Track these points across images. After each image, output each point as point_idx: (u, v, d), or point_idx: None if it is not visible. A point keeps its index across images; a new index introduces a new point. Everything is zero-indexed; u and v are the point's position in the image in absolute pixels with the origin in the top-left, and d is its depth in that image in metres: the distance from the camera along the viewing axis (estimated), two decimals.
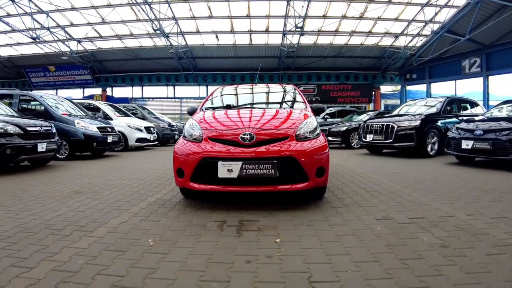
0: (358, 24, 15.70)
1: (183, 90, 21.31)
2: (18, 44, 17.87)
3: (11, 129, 4.74)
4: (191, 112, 3.68)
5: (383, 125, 7.40)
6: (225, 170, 2.53)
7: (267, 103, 4.07)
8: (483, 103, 13.65)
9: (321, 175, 2.72)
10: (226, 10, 14.69)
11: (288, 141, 2.69)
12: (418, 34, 15.62)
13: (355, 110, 14.02)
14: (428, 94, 17.47)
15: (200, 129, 2.90)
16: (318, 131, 2.99)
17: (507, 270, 1.57)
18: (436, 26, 14.37)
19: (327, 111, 13.63)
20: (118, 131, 8.42)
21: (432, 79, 17.74)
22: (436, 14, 13.54)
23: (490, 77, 14.60)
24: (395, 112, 8.70)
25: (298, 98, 3.95)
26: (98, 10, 14.62)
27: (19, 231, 2.21)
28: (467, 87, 15.95)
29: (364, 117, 10.62)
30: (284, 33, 15.44)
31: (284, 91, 4.26)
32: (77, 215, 2.59)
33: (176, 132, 12.60)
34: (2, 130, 4.62)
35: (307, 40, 16.82)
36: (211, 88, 19.31)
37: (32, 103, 7.42)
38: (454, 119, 7.32)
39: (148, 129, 9.94)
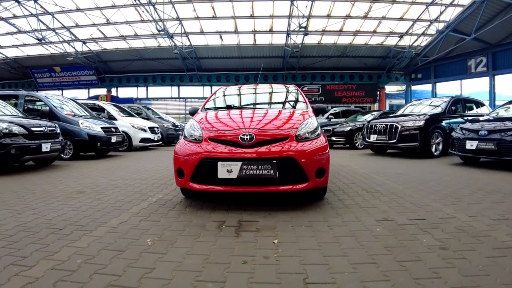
0: (362, 24, 15.62)
1: (187, 90, 21.40)
2: (24, 45, 18.09)
3: (16, 129, 4.80)
4: (193, 113, 3.69)
5: (386, 125, 7.36)
6: (224, 170, 2.54)
7: (268, 103, 4.07)
8: (489, 103, 13.49)
9: (321, 175, 2.71)
10: (230, 10, 14.72)
11: (288, 141, 2.69)
12: (423, 34, 15.48)
13: (359, 110, 13.95)
14: (433, 94, 17.30)
15: (201, 130, 2.91)
16: (319, 131, 2.98)
17: (506, 273, 1.55)
18: (441, 25, 14.23)
19: (331, 111, 13.59)
20: (122, 131, 8.48)
21: (437, 78, 17.57)
22: (441, 13, 13.41)
23: (497, 77, 14.42)
24: (400, 112, 8.64)
25: (299, 98, 3.94)
26: (103, 11, 14.73)
27: (20, 230, 2.24)
28: (473, 87, 15.78)
29: (368, 117, 10.55)
30: (288, 33, 15.41)
31: (285, 91, 4.25)
32: (78, 215, 2.61)
33: (180, 132, 12.65)
34: (7, 131, 4.69)
35: (311, 40, 16.77)
36: (215, 88, 19.30)
37: (37, 103, 7.50)
38: (460, 119, 7.24)
39: (152, 129, 10.00)
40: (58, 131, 5.75)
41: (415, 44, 16.34)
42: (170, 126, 12.34)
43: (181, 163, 2.78)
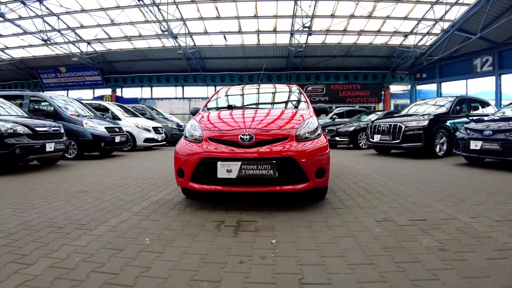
0: (366, 23, 15.52)
1: (191, 91, 21.46)
2: (30, 46, 18.29)
3: (20, 129, 4.86)
4: (194, 113, 3.71)
5: (390, 125, 7.30)
6: (224, 170, 2.54)
7: (269, 103, 4.06)
8: (495, 103, 13.33)
9: (322, 175, 2.70)
10: (234, 10, 14.72)
11: (288, 141, 2.68)
12: (428, 33, 15.32)
13: (363, 110, 13.87)
14: (439, 94, 17.14)
15: (201, 130, 2.91)
16: (319, 131, 2.96)
17: (506, 275, 1.52)
18: (446, 25, 14.08)
19: (335, 111, 13.55)
20: (126, 131, 8.54)
21: (442, 78, 17.40)
22: (446, 12, 13.27)
23: (503, 76, 14.23)
24: (404, 112, 8.58)
25: (300, 98, 3.93)
26: (107, 12, 14.84)
27: (22, 228, 2.26)
28: (479, 87, 15.60)
29: (372, 117, 10.49)
30: (292, 33, 15.38)
31: (286, 91, 4.24)
32: (79, 214, 2.64)
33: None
34: (12, 131, 4.74)
35: (315, 39, 16.72)
36: (219, 89, 19.41)
37: (42, 103, 7.59)
38: (465, 119, 7.17)
39: (156, 129, 10.05)
40: (62, 131, 5.80)
41: (420, 43, 16.20)
42: (174, 126, 12.39)
43: (182, 163, 2.79)
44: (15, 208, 2.82)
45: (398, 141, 7.06)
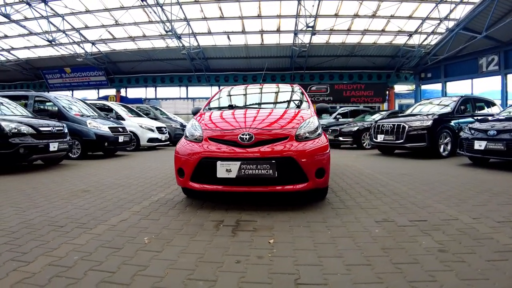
0: (370, 23, 15.45)
1: (195, 91, 21.54)
2: (35, 46, 18.50)
3: (24, 129, 4.91)
4: (195, 113, 3.72)
5: (394, 125, 7.26)
6: (223, 170, 2.54)
7: (270, 103, 4.06)
8: (501, 103, 13.20)
9: (322, 175, 2.69)
10: (237, 10, 14.75)
11: (288, 141, 2.68)
12: (433, 32, 15.20)
13: (368, 110, 13.79)
14: (444, 94, 17.00)
15: (201, 129, 2.92)
16: (319, 131, 2.95)
17: (506, 277, 1.50)
18: (451, 24, 13.95)
19: (339, 110, 13.49)
20: (130, 131, 8.59)
21: (447, 78, 17.25)
22: (451, 11, 13.14)
23: (509, 75, 14.07)
24: (408, 112, 8.51)
25: (302, 97, 3.92)
26: (111, 13, 14.95)
27: (23, 227, 2.29)
28: (485, 86, 15.44)
29: (376, 117, 10.43)
30: (296, 33, 15.35)
31: (287, 91, 4.23)
32: (80, 213, 2.66)
33: None
34: (16, 130, 4.80)
35: (319, 39, 16.67)
36: (220, 89, 19.46)
37: (47, 104, 7.67)
38: (470, 119, 7.09)
39: (159, 129, 10.10)
40: (66, 131, 5.86)
41: (425, 43, 16.07)
42: (178, 126, 12.44)
43: (182, 163, 2.79)
44: (17, 207, 2.85)
45: (402, 141, 7.01)
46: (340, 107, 16.47)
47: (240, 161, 2.52)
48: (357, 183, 3.99)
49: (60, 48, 17.57)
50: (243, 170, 2.51)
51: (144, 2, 13.12)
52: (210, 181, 2.64)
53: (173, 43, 16.91)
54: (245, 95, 4.30)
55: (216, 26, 16.38)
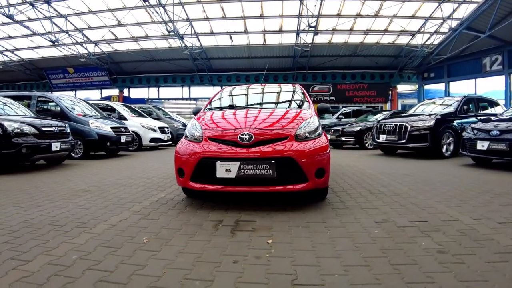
0: (373, 23, 15.39)
1: (198, 91, 21.59)
2: (39, 47, 18.63)
3: (27, 129, 4.95)
4: (196, 112, 3.73)
5: (396, 125, 7.22)
6: (223, 170, 2.54)
7: (270, 103, 4.06)
8: (505, 102, 13.09)
9: (321, 176, 2.68)
10: (239, 10, 14.75)
11: (287, 141, 2.67)
12: (436, 32, 15.11)
13: (370, 110, 13.73)
14: (447, 94, 16.90)
15: (201, 129, 2.92)
16: (320, 131, 2.95)
17: (506, 279, 1.48)
18: (454, 23, 13.87)
19: (342, 110, 13.45)
20: (133, 131, 8.63)
21: (450, 77, 17.15)
22: (454, 10, 13.06)
23: None
24: (410, 112, 8.47)
25: (302, 97, 3.91)
26: (114, 13, 15.02)
27: (24, 226, 2.30)
28: (488, 86, 15.34)
29: (379, 117, 10.38)
30: (298, 33, 15.34)
31: (288, 91, 4.23)
32: (81, 212, 2.67)
33: None
34: (19, 130, 4.83)
35: (321, 39, 16.64)
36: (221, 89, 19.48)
37: (50, 104, 7.71)
38: (473, 119, 7.04)
39: (162, 129, 10.12)
40: (68, 131, 5.89)
41: (428, 42, 15.99)
42: (180, 126, 12.47)
43: (182, 163, 2.80)
44: (19, 206, 2.87)
45: (404, 141, 6.98)
46: (343, 107, 16.43)
47: (240, 161, 2.52)
48: (358, 183, 3.98)
49: (63, 48, 17.69)
50: (242, 170, 2.51)
51: (147, 3, 13.17)
52: (209, 181, 2.65)
53: (175, 43, 16.95)
54: (245, 95, 4.30)
55: (218, 26, 16.41)
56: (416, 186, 3.73)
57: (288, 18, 15.19)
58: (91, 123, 6.95)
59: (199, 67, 19.51)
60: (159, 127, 10.04)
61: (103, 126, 7.14)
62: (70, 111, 7.04)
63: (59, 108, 7.04)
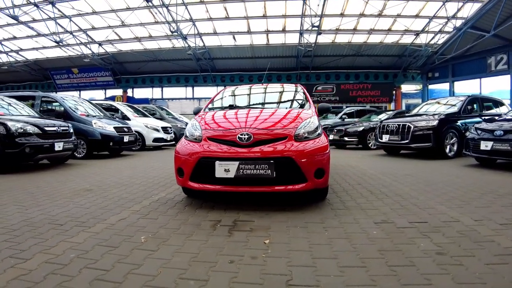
0: (377, 22, 15.30)
1: (201, 91, 21.63)
2: (44, 47, 18.80)
3: (30, 129, 4.99)
4: (197, 112, 3.74)
5: (399, 125, 7.17)
6: (222, 170, 2.54)
7: (270, 103, 4.05)
8: (510, 102, 12.93)
9: (321, 176, 2.67)
10: (243, 10, 14.75)
11: (286, 141, 2.66)
12: (440, 31, 14.98)
13: (374, 110, 13.66)
14: (451, 93, 16.76)
15: (201, 129, 2.93)
16: (319, 131, 2.93)
17: (505, 282, 1.46)
18: (459, 22, 13.74)
19: (345, 110, 13.40)
20: (136, 131, 8.67)
21: (455, 77, 17.00)
22: (459, 9, 12.95)
23: None
24: (414, 112, 8.41)
25: (302, 97, 3.90)
26: (118, 14, 15.11)
27: (24, 225, 2.33)
28: (494, 86, 15.16)
29: (382, 117, 10.32)
30: (301, 32, 15.29)
31: (289, 91, 4.22)
32: (80, 211, 2.69)
33: None
34: (22, 130, 4.87)
35: (324, 39, 16.59)
36: (221, 89, 19.49)
37: (54, 104, 7.77)
38: (477, 119, 6.96)
39: (165, 129, 10.16)
40: (71, 130, 5.93)
41: (432, 42, 15.86)
42: (184, 126, 12.49)
43: (181, 162, 2.80)
44: (20, 205, 2.90)
45: (407, 141, 6.93)
46: (346, 107, 16.36)
47: (239, 161, 2.52)
48: (359, 183, 3.96)
49: (68, 49, 17.84)
50: (241, 170, 2.51)
51: (150, 3, 13.22)
52: (209, 181, 2.65)
53: (179, 43, 17.01)
54: (246, 95, 4.30)
55: (221, 27, 16.42)
56: (417, 187, 3.70)
57: (291, 18, 15.16)
58: (94, 123, 7.00)
59: (203, 67, 19.56)
60: (162, 127, 10.08)
61: (106, 126, 7.18)
62: (74, 111, 7.09)
63: (62, 108, 7.10)
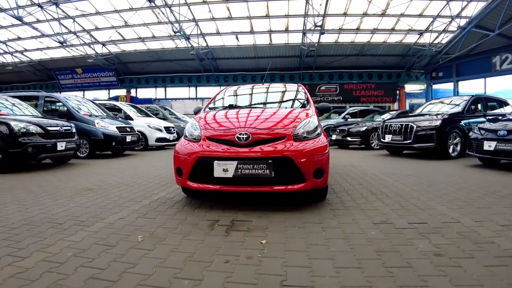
0: (380, 22, 15.22)
1: (204, 91, 21.68)
2: (48, 48, 18.96)
3: (33, 128, 5.03)
4: (197, 112, 3.74)
5: (402, 125, 7.12)
6: (220, 169, 2.54)
7: (270, 102, 4.04)
8: None
9: (320, 176, 2.65)
10: (245, 10, 14.76)
11: (285, 141, 2.65)
12: (444, 30, 14.85)
13: (377, 110, 13.59)
14: (456, 93, 16.61)
15: (200, 129, 2.93)
16: (319, 131, 2.92)
17: (503, 285, 1.44)
18: (463, 21, 13.60)
19: (348, 110, 13.35)
20: (138, 131, 8.71)
21: (459, 77, 16.84)
22: (463, 8, 12.82)
23: None
24: (417, 112, 8.35)
25: (303, 97, 3.89)
26: (121, 14, 15.19)
27: (24, 223, 2.34)
28: (499, 85, 15.00)
29: (386, 117, 10.26)
30: (304, 32, 15.26)
31: (289, 90, 4.20)
32: (80, 211, 2.70)
33: None
34: (25, 130, 4.92)
35: (328, 38, 16.53)
36: (222, 88, 19.50)
37: (57, 104, 7.83)
38: (481, 119, 6.90)
39: (168, 129, 10.19)
40: (74, 130, 5.97)
41: (436, 41, 15.73)
42: None
43: (180, 162, 2.81)
44: (21, 204, 2.92)
45: (410, 141, 6.88)
46: (350, 106, 16.29)
47: (237, 160, 2.52)
48: (360, 183, 3.93)
49: (72, 49, 17.98)
50: (239, 170, 2.50)
51: (153, 3, 13.27)
52: (207, 180, 2.64)
53: (182, 43, 17.05)
54: (245, 95, 4.30)
55: (224, 27, 16.44)
56: (419, 187, 3.67)
57: (294, 17, 15.14)
58: (97, 123, 7.04)
59: (206, 67, 19.60)
60: (165, 127, 10.11)
61: (108, 126, 7.21)
62: (76, 111, 7.13)
63: (65, 108, 7.14)
